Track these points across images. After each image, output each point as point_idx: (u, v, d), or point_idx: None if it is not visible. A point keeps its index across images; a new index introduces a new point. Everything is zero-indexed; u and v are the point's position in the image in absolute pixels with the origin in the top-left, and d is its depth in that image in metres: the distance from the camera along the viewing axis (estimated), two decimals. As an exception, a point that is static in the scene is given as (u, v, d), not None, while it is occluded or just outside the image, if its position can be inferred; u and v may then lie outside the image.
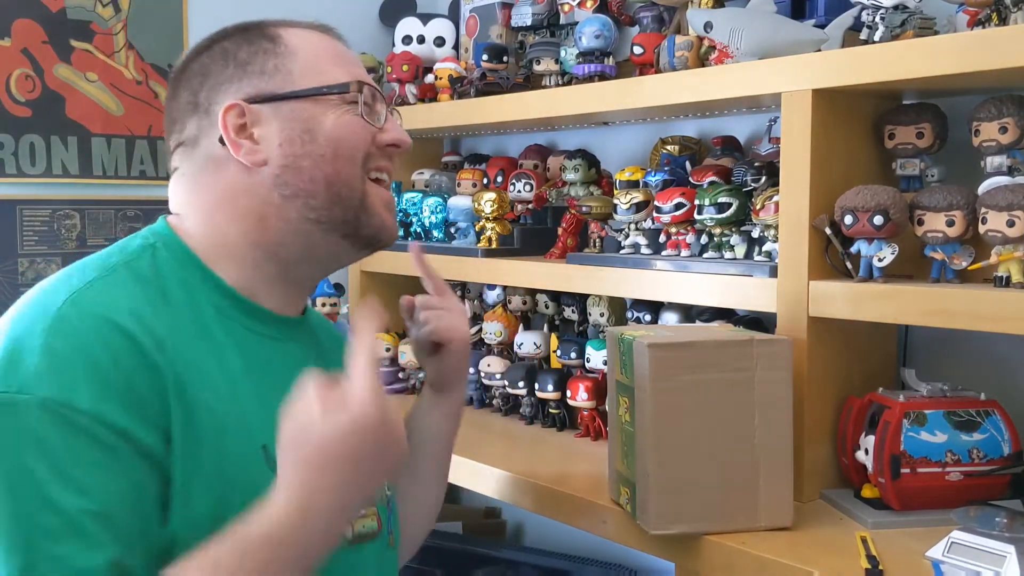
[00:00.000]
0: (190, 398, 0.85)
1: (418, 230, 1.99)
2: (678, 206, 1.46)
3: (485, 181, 1.95)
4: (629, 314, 1.63)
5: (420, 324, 1.19)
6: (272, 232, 0.97)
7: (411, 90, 2.03)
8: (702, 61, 1.50)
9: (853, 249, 1.24)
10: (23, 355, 0.81)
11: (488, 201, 1.77)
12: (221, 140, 0.96)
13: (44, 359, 0.80)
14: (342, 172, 0.98)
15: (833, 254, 1.27)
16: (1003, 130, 1.18)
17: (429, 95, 2.01)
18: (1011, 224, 1.11)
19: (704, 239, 1.46)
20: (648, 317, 1.59)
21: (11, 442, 0.78)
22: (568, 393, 1.63)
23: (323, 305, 1.98)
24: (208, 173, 0.98)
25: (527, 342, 1.77)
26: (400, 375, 2.00)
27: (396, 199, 2.01)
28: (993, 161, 1.20)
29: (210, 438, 0.85)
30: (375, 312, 0.85)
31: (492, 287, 1.94)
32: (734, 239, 1.42)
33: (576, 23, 1.74)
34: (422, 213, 1.96)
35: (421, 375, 1.93)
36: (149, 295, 0.89)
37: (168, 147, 1.03)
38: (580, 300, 1.75)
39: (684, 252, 1.47)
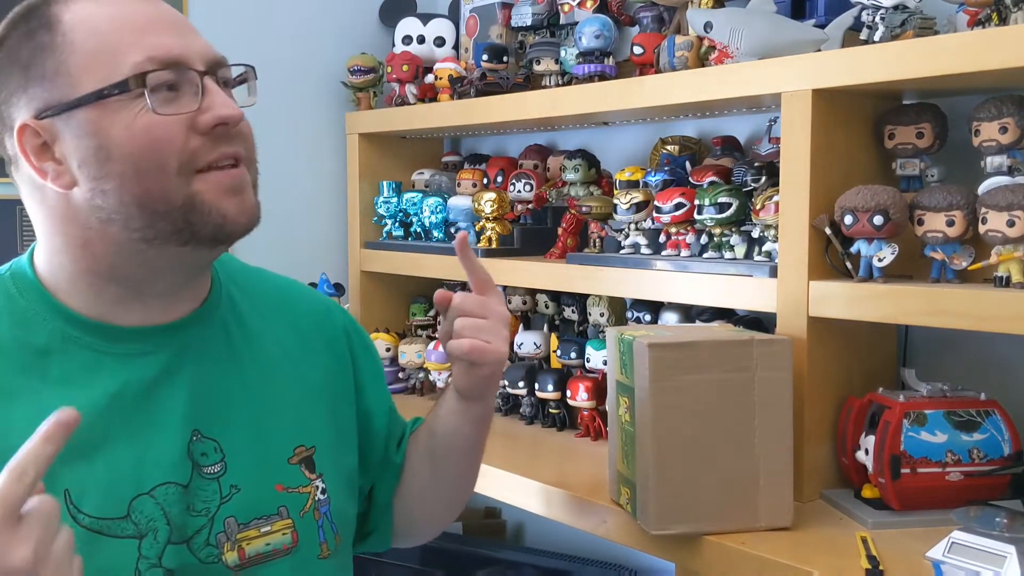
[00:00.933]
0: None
1: (418, 230, 1.99)
2: (678, 206, 1.46)
3: (485, 181, 1.95)
4: (629, 314, 1.63)
5: (453, 329, 1.02)
6: (101, 257, 0.87)
7: (411, 90, 2.03)
8: (702, 61, 1.50)
9: (853, 249, 1.24)
10: None
11: (488, 201, 1.77)
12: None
13: None
14: (151, 188, 0.84)
15: (833, 254, 1.27)
16: (1003, 130, 1.18)
17: (429, 95, 2.01)
18: (1011, 224, 1.11)
19: (704, 239, 1.46)
20: (648, 317, 1.59)
21: None
22: (568, 393, 1.63)
23: (323, 305, 1.98)
24: (34, 198, 0.89)
25: (527, 342, 1.77)
26: (400, 375, 2.00)
27: (396, 199, 2.02)
28: (993, 161, 1.20)
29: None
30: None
31: (492, 287, 1.94)
32: (734, 239, 1.42)
33: (576, 23, 1.74)
34: (422, 213, 1.96)
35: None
36: None
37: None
38: (580, 300, 1.75)
39: (684, 252, 1.47)
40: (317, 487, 0.98)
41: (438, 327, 1.99)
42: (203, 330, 0.95)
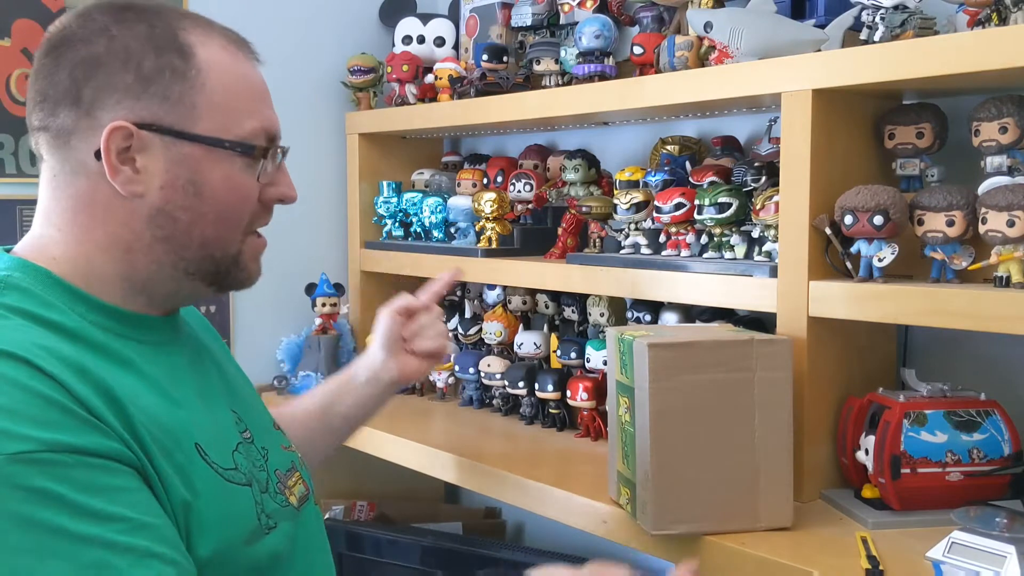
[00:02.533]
0: (128, 410, 0.82)
1: (418, 230, 1.99)
2: (678, 206, 1.46)
3: (485, 181, 1.95)
4: (629, 314, 1.63)
5: (418, 333, 1.34)
6: (140, 269, 0.92)
7: (411, 90, 2.03)
8: (702, 61, 1.50)
9: (853, 249, 1.24)
10: None
11: (488, 201, 1.77)
12: (97, 154, 0.87)
13: None
14: (221, 236, 0.93)
15: (833, 254, 1.27)
16: (1003, 130, 1.18)
17: (429, 95, 2.01)
18: (1011, 224, 1.11)
19: (704, 239, 1.46)
20: (648, 317, 1.59)
21: (11, 506, 0.73)
22: (568, 393, 1.63)
23: (323, 305, 1.99)
24: (78, 180, 0.90)
25: (527, 342, 1.77)
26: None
27: (396, 199, 2.02)
28: (993, 161, 1.20)
29: (159, 446, 0.84)
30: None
31: (492, 287, 1.94)
32: (734, 239, 1.42)
33: (576, 23, 1.74)
34: (422, 213, 1.96)
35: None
36: (36, 326, 0.84)
37: (29, 120, 0.93)
38: (580, 300, 1.75)
39: (684, 252, 1.47)
40: (294, 446, 1.11)
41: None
42: (183, 326, 1.03)
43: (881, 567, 1.05)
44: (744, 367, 1.16)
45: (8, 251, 0.93)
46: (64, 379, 0.79)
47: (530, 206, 1.84)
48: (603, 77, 1.64)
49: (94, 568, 0.74)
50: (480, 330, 1.88)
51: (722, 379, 1.16)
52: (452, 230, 1.91)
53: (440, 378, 1.92)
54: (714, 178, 1.44)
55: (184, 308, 1.07)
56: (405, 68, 2.01)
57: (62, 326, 0.85)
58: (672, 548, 1.20)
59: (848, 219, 1.22)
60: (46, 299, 0.87)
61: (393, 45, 2.13)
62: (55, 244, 0.91)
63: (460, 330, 1.92)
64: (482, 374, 1.81)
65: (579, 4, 1.77)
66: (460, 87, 1.87)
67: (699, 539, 1.17)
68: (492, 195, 1.77)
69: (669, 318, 1.56)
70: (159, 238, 0.91)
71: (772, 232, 1.36)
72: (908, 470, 1.18)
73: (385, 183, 2.04)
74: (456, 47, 2.11)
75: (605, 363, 1.63)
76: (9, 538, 0.72)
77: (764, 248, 1.38)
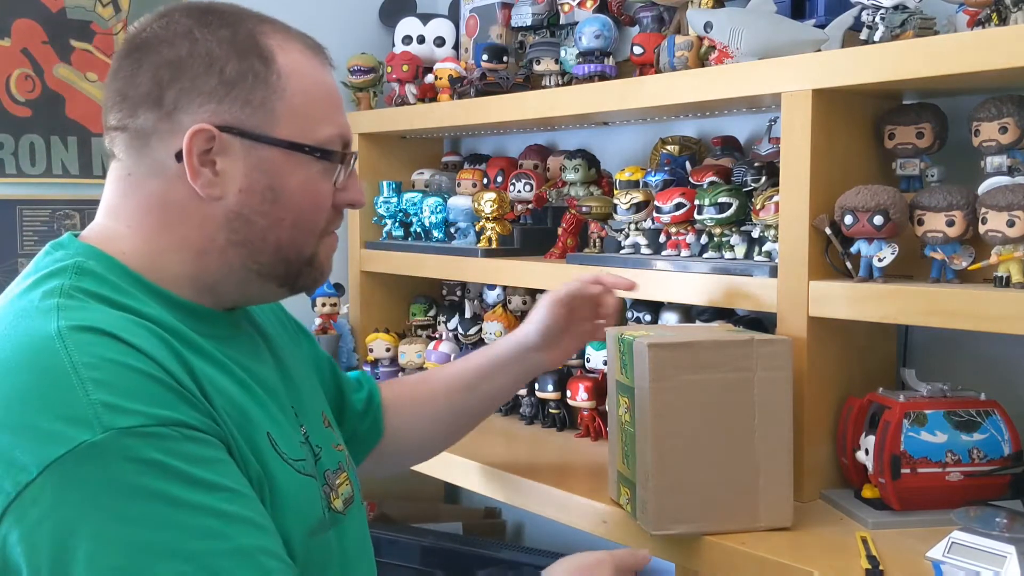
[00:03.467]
0: (207, 390, 0.85)
1: (418, 230, 1.99)
2: (678, 206, 1.46)
3: (485, 181, 1.95)
4: (629, 314, 1.63)
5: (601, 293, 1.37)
6: (212, 271, 0.93)
7: (411, 90, 2.03)
8: (702, 61, 1.50)
9: (853, 249, 1.24)
10: (70, 402, 0.75)
11: (488, 201, 1.77)
12: (178, 156, 0.88)
13: (93, 394, 0.76)
14: (297, 240, 0.94)
15: (833, 254, 1.27)
16: (1003, 130, 1.18)
17: (429, 95, 2.01)
18: (1011, 224, 1.11)
19: (704, 239, 1.46)
20: (648, 317, 1.59)
21: (127, 478, 0.75)
22: (568, 393, 1.63)
23: (323, 305, 1.98)
24: (154, 181, 0.90)
25: (527, 342, 1.77)
26: (400, 375, 1.99)
27: (396, 199, 2.02)
28: (993, 161, 1.20)
29: (236, 425, 0.86)
30: None
31: (492, 287, 1.94)
32: (734, 239, 1.42)
33: (576, 23, 1.74)
34: (422, 213, 1.96)
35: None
36: (114, 310, 0.84)
37: (106, 119, 0.93)
38: (580, 300, 1.74)
39: (684, 252, 1.47)
40: (343, 446, 1.10)
41: (438, 327, 1.99)
42: (245, 322, 1.03)
43: (881, 567, 1.05)
44: (744, 367, 1.16)
45: (76, 236, 0.94)
46: (155, 354, 0.81)
47: (530, 206, 1.84)
48: (603, 77, 1.64)
49: (208, 536, 0.77)
50: (480, 330, 1.88)
51: (722, 379, 1.16)
52: (452, 230, 1.91)
53: (440, 378, 1.92)
54: (714, 178, 1.44)
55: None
56: (405, 68, 2.01)
57: (138, 311, 0.86)
58: (672, 548, 1.20)
59: (848, 219, 1.22)
60: (120, 286, 0.88)
61: (393, 45, 2.13)
62: (124, 239, 0.92)
63: (460, 330, 1.92)
64: (482, 374, 1.81)
65: (579, 4, 1.77)
66: (460, 87, 1.87)
67: (699, 539, 1.17)
68: (492, 195, 1.77)
69: (669, 318, 1.56)
70: (234, 242, 0.92)
71: (772, 232, 1.36)
72: (908, 470, 1.18)
73: (385, 183, 2.04)
74: (456, 47, 2.11)
75: (605, 363, 1.63)
76: (127, 509, 0.74)
77: (764, 248, 1.38)
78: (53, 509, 0.73)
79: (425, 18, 2.12)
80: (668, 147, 1.65)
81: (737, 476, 1.17)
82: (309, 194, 0.94)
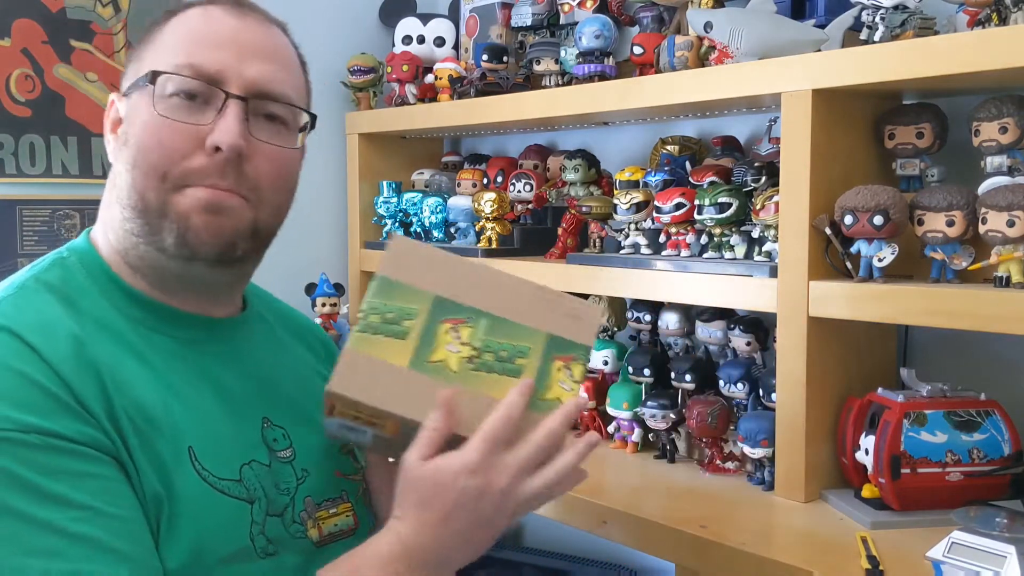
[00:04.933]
0: (113, 399, 0.82)
1: (418, 230, 1.99)
2: (678, 206, 1.46)
3: (485, 181, 1.95)
4: (629, 314, 1.63)
5: None
6: (125, 244, 0.92)
7: (411, 90, 2.03)
8: (702, 61, 1.50)
9: (853, 249, 1.24)
10: None
11: (488, 201, 1.77)
12: None
13: None
14: (138, 183, 0.88)
15: (833, 254, 1.27)
16: (1003, 130, 1.18)
17: (429, 95, 2.01)
18: (1011, 224, 1.11)
19: (704, 239, 1.46)
20: (648, 317, 1.59)
21: None
22: (568, 393, 1.62)
23: (323, 305, 1.98)
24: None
25: (527, 342, 1.77)
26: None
27: (396, 199, 2.02)
28: (993, 161, 1.20)
29: (140, 437, 0.82)
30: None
31: (492, 287, 1.94)
32: (734, 239, 1.42)
33: (576, 23, 1.74)
34: (422, 213, 1.96)
35: None
36: (58, 304, 0.86)
37: None
38: (580, 300, 1.74)
39: (684, 252, 1.47)
40: (363, 477, 1.05)
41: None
42: (248, 333, 1.00)
43: (881, 567, 1.05)
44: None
45: (88, 233, 0.97)
46: (54, 359, 0.80)
47: (530, 206, 1.84)
48: (603, 77, 1.64)
49: (43, 554, 0.73)
50: (480, 330, 1.88)
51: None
52: (452, 230, 1.91)
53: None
54: (714, 178, 1.44)
55: (291, 312, 1.10)
56: (405, 68, 2.01)
57: (85, 311, 0.86)
58: (672, 548, 1.20)
59: (848, 219, 1.22)
60: (84, 285, 0.89)
61: (393, 45, 2.13)
62: (100, 233, 0.96)
63: (460, 330, 1.92)
64: (482, 374, 1.80)
65: (579, 4, 1.77)
66: (460, 87, 1.87)
67: (699, 539, 1.17)
68: (492, 195, 1.77)
69: (669, 318, 1.56)
70: (112, 201, 0.95)
71: (772, 232, 1.36)
72: (908, 470, 1.18)
73: (385, 183, 2.04)
74: (456, 47, 2.11)
75: (605, 363, 1.63)
76: None
77: (764, 248, 1.38)
78: None
79: (425, 18, 2.12)
80: (668, 147, 1.65)
81: None
82: (145, 131, 0.88)
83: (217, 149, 0.87)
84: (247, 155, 0.89)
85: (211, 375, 0.92)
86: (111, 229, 0.93)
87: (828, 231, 1.25)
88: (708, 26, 1.40)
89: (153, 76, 0.87)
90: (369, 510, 1.04)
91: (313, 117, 0.98)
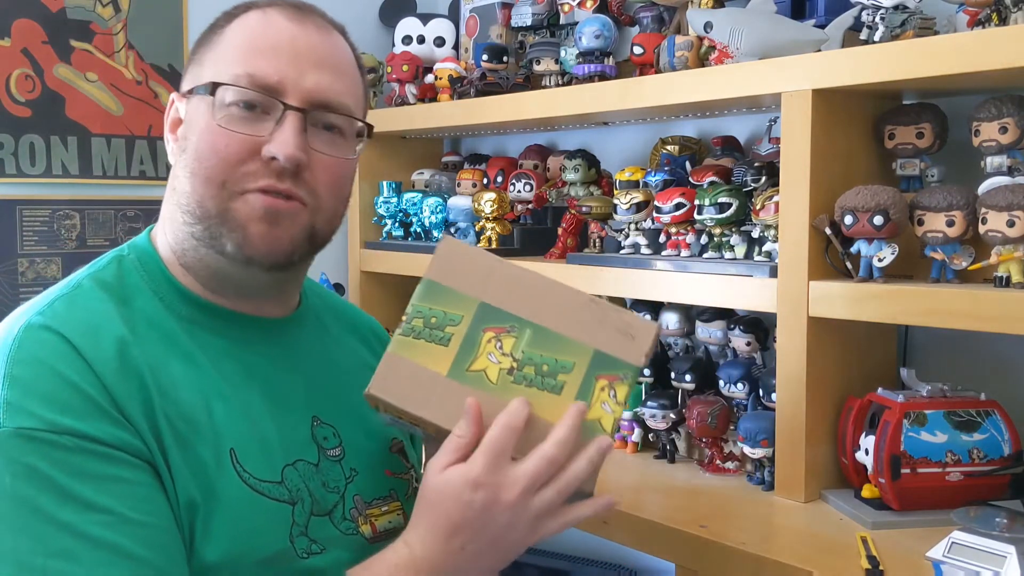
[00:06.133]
0: (155, 403, 0.82)
1: (418, 230, 1.99)
2: (678, 206, 1.46)
3: (485, 181, 1.95)
4: (629, 314, 1.62)
5: None
6: (184, 246, 0.92)
7: (411, 90, 2.03)
8: (702, 61, 1.50)
9: (853, 249, 1.24)
10: None
11: (488, 201, 1.77)
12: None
13: (8, 390, 0.78)
14: (197, 190, 0.89)
15: (833, 254, 1.27)
16: (1003, 130, 1.18)
17: (429, 95, 2.01)
18: (1011, 224, 1.11)
19: (704, 239, 1.46)
20: (648, 317, 1.59)
21: (2, 478, 0.75)
22: (568, 393, 1.62)
23: (323, 305, 1.98)
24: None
25: (527, 342, 1.77)
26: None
27: (396, 199, 2.02)
28: (993, 161, 1.20)
29: (179, 441, 0.83)
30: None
31: (492, 287, 1.94)
32: (734, 239, 1.42)
33: (576, 23, 1.74)
34: (422, 213, 1.96)
35: None
36: (111, 302, 0.86)
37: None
38: (580, 300, 1.74)
39: (684, 252, 1.47)
40: (412, 475, 1.04)
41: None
42: (300, 331, 1.01)
43: (881, 567, 1.05)
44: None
45: (149, 231, 0.97)
46: (97, 362, 0.80)
47: (530, 206, 1.84)
48: (603, 77, 1.64)
49: (61, 556, 0.74)
50: (480, 330, 1.88)
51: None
52: (452, 230, 1.91)
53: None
54: (714, 178, 1.44)
55: (342, 311, 1.11)
56: (405, 68, 2.01)
57: (137, 310, 0.87)
58: (672, 548, 1.20)
59: (848, 219, 1.22)
60: (138, 283, 0.90)
61: (393, 45, 2.13)
62: (160, 232, 0.96)
63: (460, 330, 1.92)
64: (482, 374, 1.80)
65: (579, 4, 1.77)
66: (460, 87, 1.87)
67: (699, 539, 1.17)
68: (492, 195, 1.77)
69: (669, 318, 1.56)
70: (173, 203, 0.95)
71: (772, 232, 1.36)
72: (908, 470, 1.18)
73: (385, 183, 2.04)
74: (456, 47, 2.11)
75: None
76: None
77: (764, 248, 1.38)
78: None
79: (425, 18, 2.12)
80: (668, 147, 1.65)
81: None
82: (204, 138, 0.89)
83: (274, 159, 0.88)
84: (304, 165, 0.90)
85: (260, 375, 0.93)
86: (170, 229, 0.94)
87: (828, 231, 1.25)
88: (708, 26, 1.40)
89: (213, 88, 0.88)
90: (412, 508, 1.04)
91: (370, 127, 0.98)
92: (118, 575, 0.75)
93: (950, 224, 1.18)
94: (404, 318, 0.92)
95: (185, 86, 0.94)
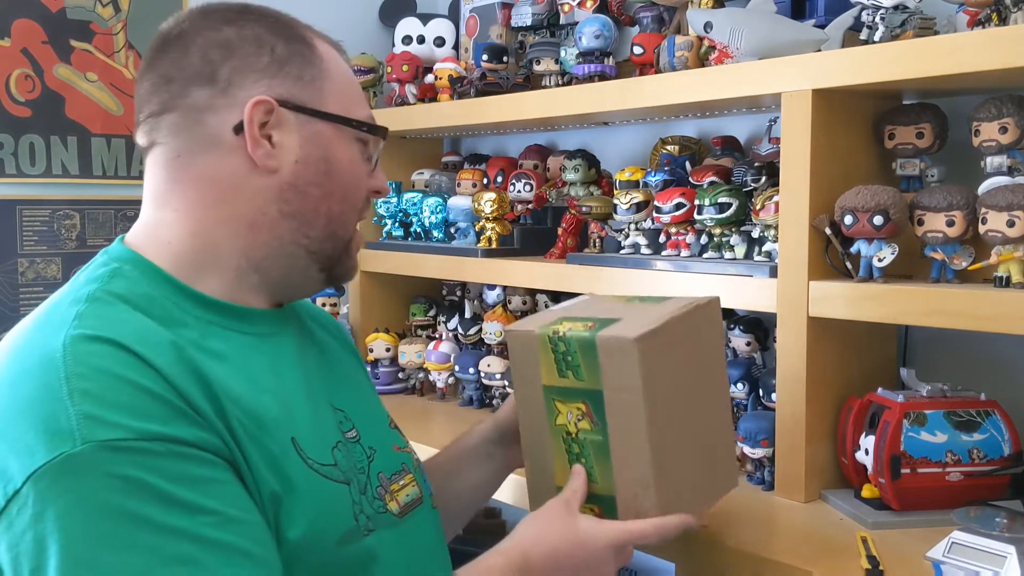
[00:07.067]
0: (221, 401, 0.82)
1: (418, 230, 1.99)
2: (678, 206, 1.46)
3: (485, 181, 1.95)
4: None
5: None
6: (260, 245, 0.92)
7: (411, 90, 2.03)
8: (702, 61, 1.50)
9: (853, 249, 1.24)
10: (55, 413, 0.74)
11: (488, 201, 1.77)
12: (236, 128, 0.89)
13: (78, 405, 0.74)
14: (345, 214, 0.96)
15: (833, 254, 1.27)
16: (1003, 130, 1.18)
17: (429, 95, 2.01)
18: (1011, 224, 1.11)
19: (704, 239, 1.46)
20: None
21: (101, 495, 0.72)
22: (568, 393, 1.62)
23: (323, 305, 1.99)
24: (207, 156, 0.90)
25: (527, 342, 1.77)
26: (400, 375, 2.00)
27: (396, 199, 2.02)
28: (993, 161, 1.20)
29: (250, 436, 0.83)
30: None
31: (492, 287, 1.94)
32: (734, 239, 1.42)
33: (576, 23, 1.74)
34: (422, 213, 1.96)
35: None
36: (136, 312, 0.84)
37: (142, 109, 0.93)
38: (580, 300, 1.74)
39: (684, 252, 1.47)
40: (411, 447, 1.09)
41: (438, 328, 1.99)
42: (294, 322, 1.02)
43: (881, 567, 1.05)
44: (695, 334, 1.08)
45: (123, 239, 0.94)
46: (161, 366, 0.79)
47: (530, 206, 1.84)
48: (603, 77, 1.64)
49: (180, 563, 0.72)
50: (480, 330, 1.88)
51: (685, 354, 1.06)
52: (452, 230, 1.91)
53: (440, 378, 1.92)
54: (714, 178, 1.44)
55: (302, 303, 1.08)
56: (405, 68, 2.01)
57: (162, 316, 0.85)
58: (672, 548, 1.20)
59: (848, 219, 1.22)
60: (150, 292, 0.88)
61: (393, 45, 2.13)
62: (169, 227, 0.92)
63: (460, 330, 1.92)
64: (482, 374, 1.81)
65: (579, 4, 1.77)
66: (460, 87, 1.87)
67: (699, 539, 1.17)
68: (492, 195, 1.77)
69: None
70: (286, 213, 0.92)
71: (772, 232, 1.36)
72: (908, 470, 1.18)
73: (385, 183, 2.04)
74: (456, 47, 2.11)
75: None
76: (97, 528, 0.71)
77: (764, 248, 1.38)
78: (34, 520, 0.72)
79: (425, 18, 2.12)
80: (668, 147, 1.65)
81: (704, 451, 1.09)
82: (353, 169, 0.97)
83: (376, 193, 1.00)
84: None
85: (285, 365, 0.93)
86: (220, 223, 0.91)
87: (828, 231, 1.25)
88: (708, 26, 1.40)
89: (380, 131, 0.99)
90: (424, 476, 1.07)
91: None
92: (239, 572, 0.75)
93: (950, 224, 1.18)
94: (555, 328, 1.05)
95: (281, 91, 0.91)
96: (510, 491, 1.45)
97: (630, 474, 1.03)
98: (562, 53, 1.74)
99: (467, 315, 1.94)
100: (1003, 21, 1.13)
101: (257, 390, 0.87)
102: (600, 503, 1.05)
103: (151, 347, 0.80)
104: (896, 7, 1.23)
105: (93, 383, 0.76)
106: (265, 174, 0.91)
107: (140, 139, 0.94)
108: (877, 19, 1.24)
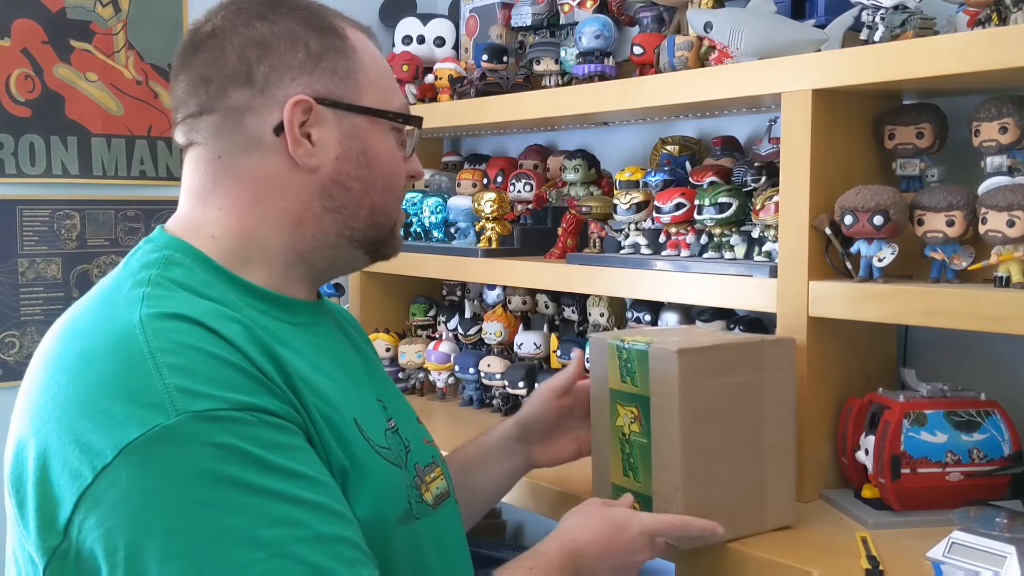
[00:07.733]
0: (292, 377, 0.84)
1: (418, 230, 1.99)
2: (678, 206, 1.46)
3: (485, 181, 1.95)
4: (629, 314, 1.63)
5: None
6: (307, 239, 0.94)
7: (411, 90, 2.02)
8: (702, 61, 1.50)
9: (853, 249, 1.24)
10: (144, 387, 0.75)
11: (488, 201, 1.77)
12: (276, 129, 0.90)
13: (168, 378, 0.76)
14: (388, 204, 0.99)
15: (833, 254, 1.27)
16: (1003, 130, 1.18)
17: (429, 95, 2.01)
18: (1011, 224, 1.11)
19: (704, 239, 1.46)
20: (648, 317, 1.59)
21: (200, 463, 0.74)
22: (568, 393, 1.62)
23: (323, 305, 1.98)
24: (250, 157, 0.92)
25: (527, 342, 1.77)
26: (400, 375, 2.00)
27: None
28: (993, 161, 1.20)
29: (320, 412, 0.86)
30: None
31: (492, 287, 1.94)
32: (734, 239, 1.42)
33: (576, 23, 1.74)
34: (422, 213, 1.96)
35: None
36: (196, 295, 0.86)
37: (179, 111, 0.95)
38: (580, 300, 1.75)
39: (684, 252, 1.47)
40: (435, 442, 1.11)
41: (438, 327, 1.99)
42: (329, 314, 1.05)
43: (881, 567, 1.05)
44: (756, 368, 1.15)
45: (163, 228, 0.95)
46: (237, 342, 0.81)
47: (530, 206, 1.84)
48: (603, 77, 1.64)
49: (284, 524, 0.75)
50: (480, 330, 1.88)
51: (737, 382, 1.13)
52: (452, 230, 1.91)
53: (440, 378, 1.92)
54: (714, 178, 1.44)
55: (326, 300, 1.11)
56: (405, 68, 2.01)
57: (223, 301, 0.87)
58: (672, 548, 1.20)
59: (848, 219, 1.22)
60: (206, 278, 0.89)
61: (393, 45, 2.13)
62: (214, 223, 0.93)
63: (460, 330, 1.93)
64: (482, 374, 1.81)
65: (579, 4, 1.77)
66: (460, 87, 1.87)
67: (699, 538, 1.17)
68: (492, 195, 1.77)
69: (669, 318, 1.56)
70: (329, 208, 0.94)
71: (772, 232, 1.36)
72: (908, 470, 1.18)
73: (385, 183, 2.04)
74: (456, 47, 2.11)
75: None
76: (199, 494, 0.73)
77: (764, 248, 1.38)
78: (128, 493, 0.73)
79: (425, 18, 2.12)
80: (668, 147, 1.65)
81: (750, 479, 1.15)
82: (392, 159, 0.98)
83: (412, 177, 1.02)
84: None
85: (332, 353, 0.96)
86: (266, 221, 0.93)
87: (828, 231, 1.25)
88: (708, 26, 1.40)
89: (416, 121, 1.00)
90: (448, 471, 1.09)
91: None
92: (336, 530, 0.78)
93: (950, 224, 1.18)
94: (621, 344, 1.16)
95: (318, 88, 0.92)
96: (510, 491, 1.45)
97: (665, 475, 1.12)
98: (562, 53, 1.74)
99: (467, 315, 1.95)
100: (1003, 21, 1.13)
101: (318, 372, 0.89)
102: (641, 501, 1.16)
103: (224, 324, 0.82)
104: (896, 7, 1.23)
105: (179, 357, 0.77)
106: (307, 172, 0.92)
107: (178, 138, 0.96)
108: (877, 19, 1.24)
